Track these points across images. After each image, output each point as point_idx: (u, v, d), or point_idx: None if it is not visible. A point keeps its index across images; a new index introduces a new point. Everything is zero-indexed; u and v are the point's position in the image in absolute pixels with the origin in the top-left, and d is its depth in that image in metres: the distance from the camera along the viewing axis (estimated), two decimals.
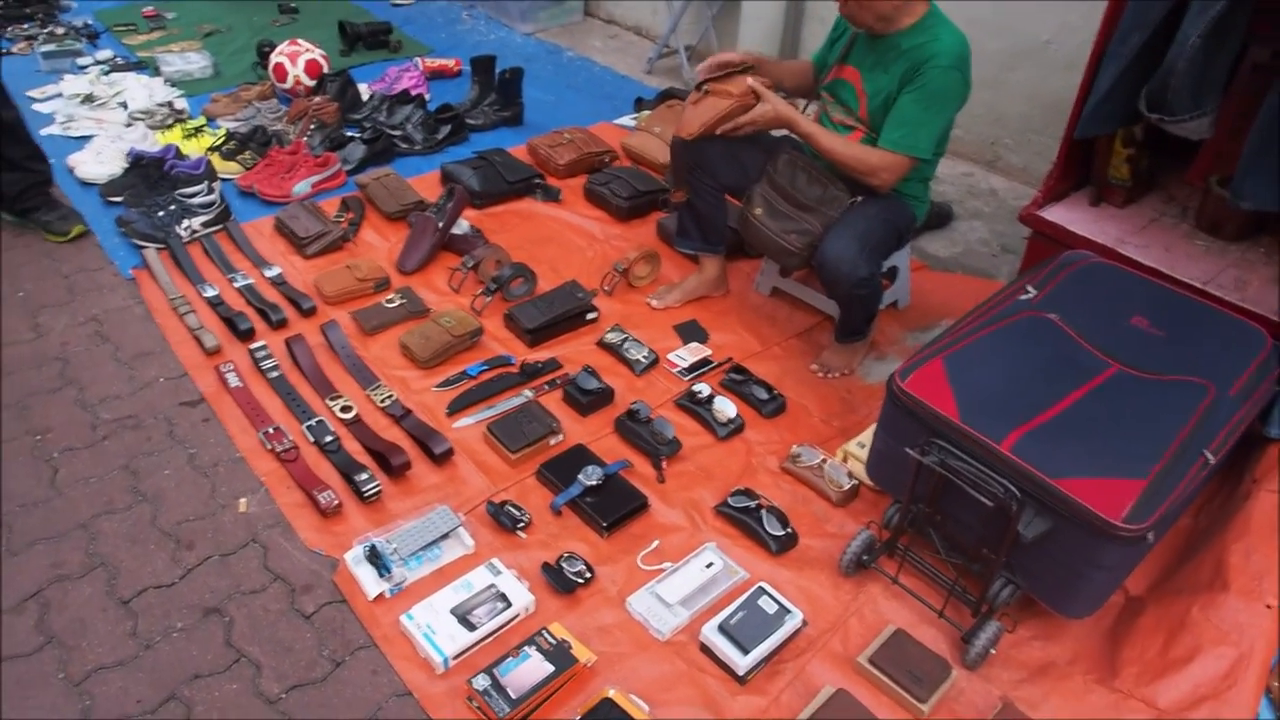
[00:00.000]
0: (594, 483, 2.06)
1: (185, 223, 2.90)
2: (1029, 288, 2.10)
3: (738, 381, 2.44)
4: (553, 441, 2.23)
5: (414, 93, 3.83)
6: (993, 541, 1.73)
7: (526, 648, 1.71)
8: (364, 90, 3.89)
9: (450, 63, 4.31)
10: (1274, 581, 1.72)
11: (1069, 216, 2.56)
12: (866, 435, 2.21)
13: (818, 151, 2.32)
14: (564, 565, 1.89)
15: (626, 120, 3.92)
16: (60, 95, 3.75)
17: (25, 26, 4.36)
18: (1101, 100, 2.29)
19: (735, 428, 2.31)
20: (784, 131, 2.39)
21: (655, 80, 4.38)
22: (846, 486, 2.12)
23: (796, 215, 2.35)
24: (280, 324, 2.57)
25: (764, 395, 2.39)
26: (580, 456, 2.16)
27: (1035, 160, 3.45)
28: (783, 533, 2.01)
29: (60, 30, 4.33)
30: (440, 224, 2.86)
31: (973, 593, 1.84)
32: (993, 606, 1.79)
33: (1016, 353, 1.92)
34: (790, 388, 2.47)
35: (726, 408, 2.31)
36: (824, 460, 2.17)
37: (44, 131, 3.46)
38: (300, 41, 3.88)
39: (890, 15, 2.22)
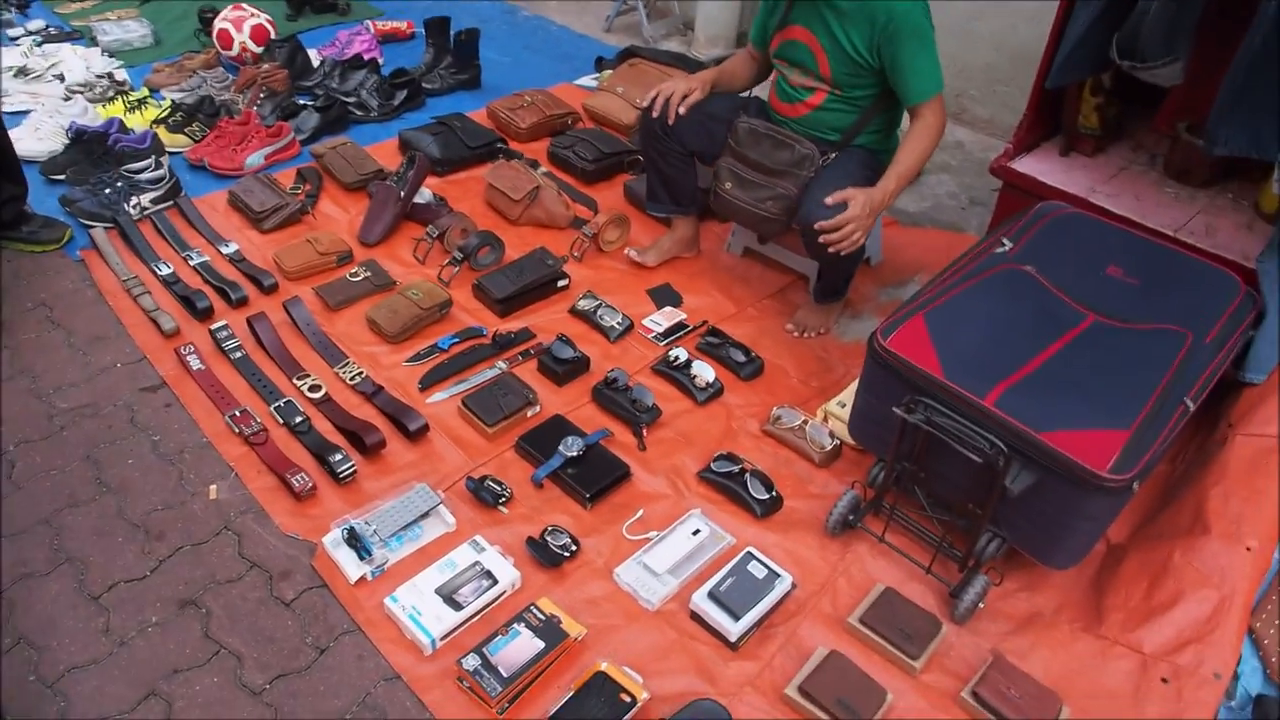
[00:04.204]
0: (575, 454, 2.03)
1: (134, 200, 2.79)
2: (1005, 240, 2.09)
3: (714, 345, 2.41)
4: (530, 413, 2.19)
5: (367, 57, 3.71)
6: (979, 497, 1.73)
7: (515, 625, 1.68)
8: (314, 56, 3.75)
9: (403, 25, 4.18)
10: (1253, 524, 1.74)
11: (1040, 167, 2.54)
12: (846, 394, 2.20)
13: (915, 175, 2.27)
14: (548, 539, 1.86)
15: (588, 80, 3.83)
16: None
17: None
18: (1074, 48, 2.26)
19: (714, 392, 2.29)
20: (751, 91, 2.37)
21: (615, 39, 4.29)
22: (829, 447, 2.11)
23: (768, 182, 2.31)
24: (241, 302, 2.48)
25: (741, 358, 2.37)
26: (559, 427, 2.12)
27: (1002, 111, 3.44)
28: (767, 496, 1.99)
29: None
30: (402, 193, 2.77)
31: (959, 548, 1.84)
32: (979, 561, 1.80)
33: (996, 307, 1.90)
34: (767, 349, 2.44)
35: (705, 372, 2.29)
36: (805, 421, 2.16)
37: None
38: (244, 6, 3.73)
39: None
